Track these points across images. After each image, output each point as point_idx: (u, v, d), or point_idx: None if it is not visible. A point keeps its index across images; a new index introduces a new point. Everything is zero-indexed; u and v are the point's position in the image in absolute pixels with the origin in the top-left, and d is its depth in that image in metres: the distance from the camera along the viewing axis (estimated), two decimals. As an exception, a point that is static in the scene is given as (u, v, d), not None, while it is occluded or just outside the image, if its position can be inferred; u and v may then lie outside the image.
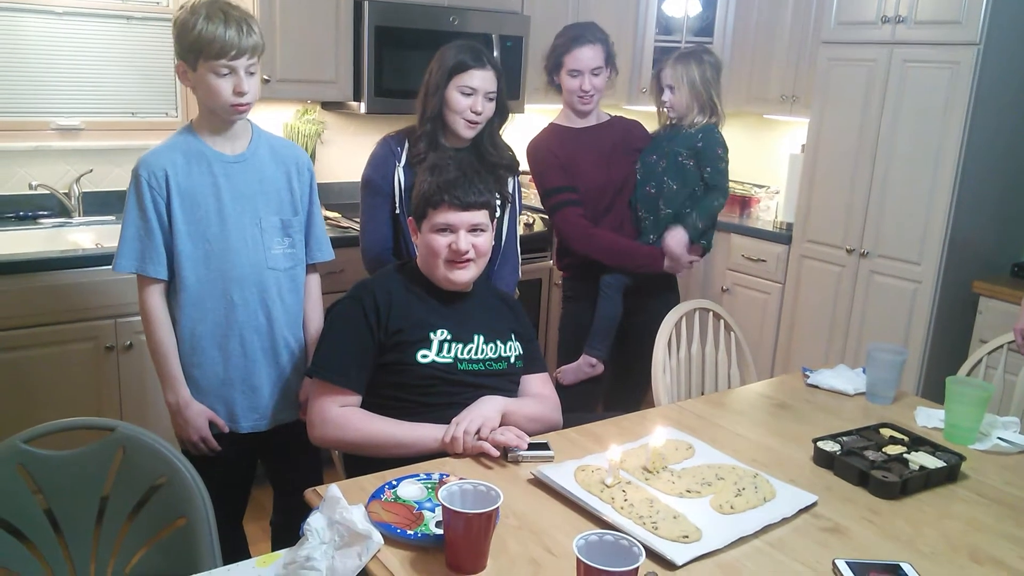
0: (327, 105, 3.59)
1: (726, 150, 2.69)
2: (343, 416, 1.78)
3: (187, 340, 1.95)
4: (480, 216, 1.88)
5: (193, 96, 1.94)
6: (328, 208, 3.41)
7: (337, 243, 2.55)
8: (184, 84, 1.89)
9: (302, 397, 2.05)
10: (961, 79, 3.13)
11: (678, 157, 2.65)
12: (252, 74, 1.86)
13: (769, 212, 4.19)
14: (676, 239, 2.64)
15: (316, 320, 2.09)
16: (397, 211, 2.31)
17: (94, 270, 2.69)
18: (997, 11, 3.06)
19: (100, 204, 3.18)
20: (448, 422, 1.75)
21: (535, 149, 2.71)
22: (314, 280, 2.14)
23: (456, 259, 1.86)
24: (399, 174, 2.31)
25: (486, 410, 1.76)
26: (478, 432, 1.71)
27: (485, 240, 1.90)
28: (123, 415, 2.79)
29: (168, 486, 1.52)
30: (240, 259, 1.93)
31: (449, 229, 1.85)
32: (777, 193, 4.17)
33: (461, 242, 1.85)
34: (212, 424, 1.98)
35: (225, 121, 1.91)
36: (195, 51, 1.81)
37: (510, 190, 2.44)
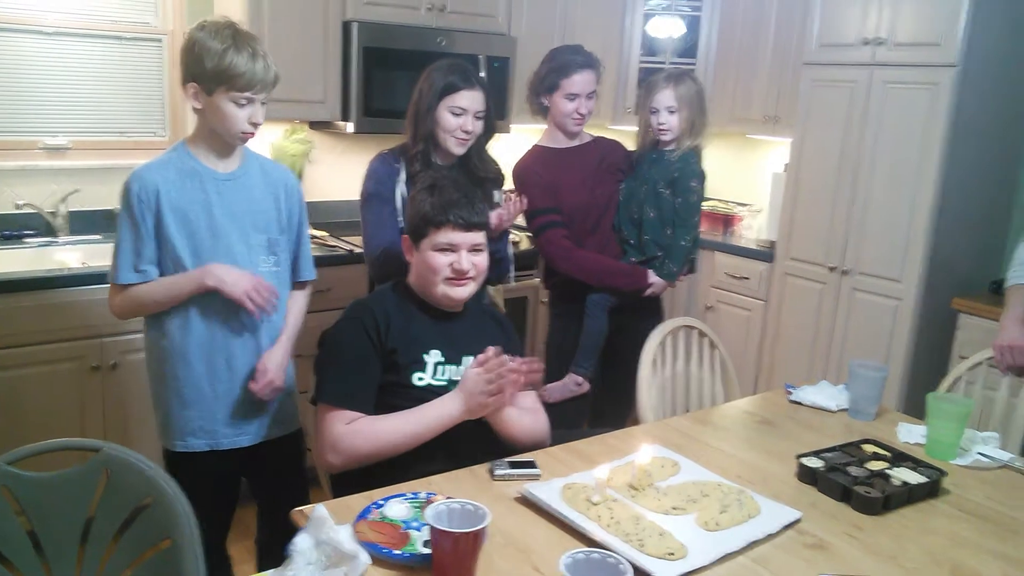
0: (315, 125, 3.61)
1: (702, 180, 2.71)
2: (350, 432, 1.76)
3: (174, 353, 1.96)
4: (480, 236, 1.91)
5: (181, 116, 1.96)
6: (316, 227, 3.42)
7: (326, 262, 2.58)
8: (192, 104, 1.91)
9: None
10: (940, 100, 3.19)
11: (656, 186, 2.68)
12: (264, 104, 1.92)
13: (752, 230, 4.22)
14: (656, 288, 2.72)
15: (289, 327, 2.09)
16: (401, 224, 2.33)
17: (80, 289, 2.68)
18: (975, 33, 3.12)
19: (87, 223, 3.18)
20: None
21: (521, 171, 2.73)
22: (301, 294, 2.16)
23: (457, 278, 1.88)
24: (402, 188, 2.34)
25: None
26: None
27: (483, 259, 1.93)
28: (108, 436, 2.77)
29: (154, 507, 1.51)
30: None
31: (451, 249, 1.87)
32: (760, 212, 4.21)
33: (463, 262, 1.87)
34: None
35: (228, 145, 1.96)
36: (218, 78, 1.84)
37: (497, 201, 2.48)
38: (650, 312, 2.80)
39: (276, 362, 2.03)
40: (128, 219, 1.90)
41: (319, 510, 1.38)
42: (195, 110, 1.92)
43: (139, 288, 1.92)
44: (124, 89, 3.28)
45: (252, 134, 1.93)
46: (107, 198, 3.19)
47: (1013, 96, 3.41)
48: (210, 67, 1.83)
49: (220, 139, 1.94)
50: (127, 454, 1.54)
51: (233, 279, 1.91)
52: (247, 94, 1.86)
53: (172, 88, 3.28)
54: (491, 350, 1.77)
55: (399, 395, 1.82)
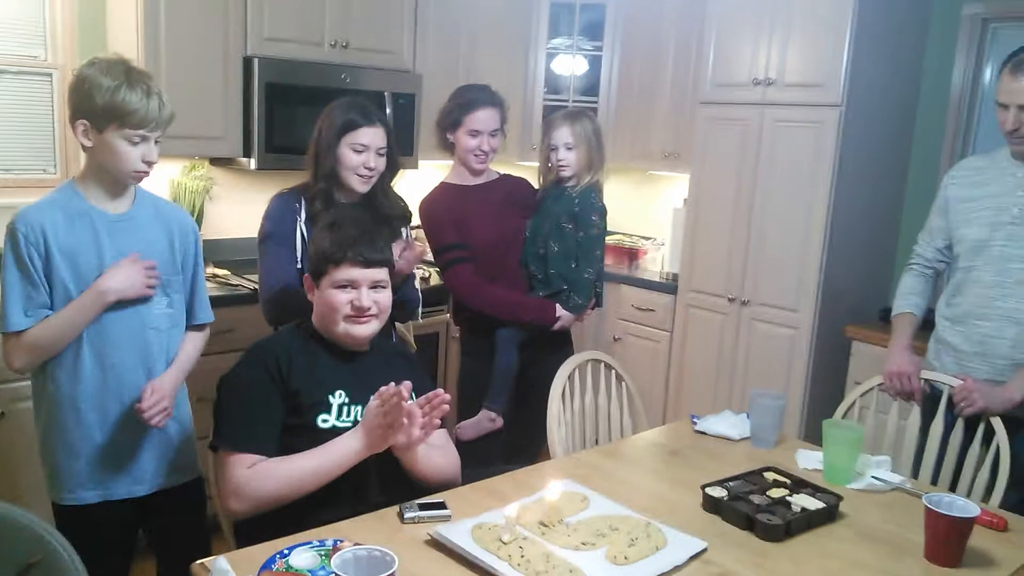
0: (216, 161, 3.53)
1: (603, 215, 2.77)
2: (252, 475, 1.71)
3: (63, 403, 1.88)
4: (381, 273, 1.89)
5: (73, 153, 1.90)
6: (217, 265, 3.33)
7: (226, 301, 2.52)
8: (81, 142, 1.84)
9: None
10: (826, 138, 3.36)
11: (559, 221, 2.72)
12: (158, 143, 1.88)
13: (656, 263, 4.34)
14: (564, 321, 2.75)
15: (179, 360, 2.01)
16: (299, 265, 2.29)
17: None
18: (856, 75, 3.31)
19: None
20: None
21: (428, 207, 2.74)
22: (197, 335, 2.09)
23: (358, 315, 1.86)
24: (301, 228, 2.30)
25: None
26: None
27: (386, 296, 1.91)
28: (-8, 489, 2.61)
29: (43, 565, 1.44)
30: (119, 320, 1.89)
31: (351, 286, 1.85)
32: (663, 245, 4.33)
33: (364, 298, 1.85)
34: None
35: (120, 184, 1.89)
36: (109, 115, 1.78)
37: (404, 238, 2.47)
38: (559, 345, 2.83)
39: (165, 385, 1.94)
40: (15, 262, 1.81)
41: (220, 563, 1.34)
42: (84, 148, 1.86)
43: (33, 331, 1.82)
44: (9, 125, 3.13)
45: (146, 173, 1.88)
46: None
47: (894, 133, 3.63)
48: (101, 104, 1.78)
49: (111, 178, 1.87)
50: (13, 512, 1.45)
51: (124, 284, 1.85)
52: (141, 131, 1.81)
53: (63, 124, 3.15)
54: (391, 386, 1.74)
55: (303, 438, 1.78)
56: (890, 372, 2.42)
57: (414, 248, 2.34)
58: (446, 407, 1.75)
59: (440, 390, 1.77)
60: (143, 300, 1.92)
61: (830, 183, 3.37)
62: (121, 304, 1.88)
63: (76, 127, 1.83)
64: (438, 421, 1.78)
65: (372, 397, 1.78)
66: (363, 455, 1.76)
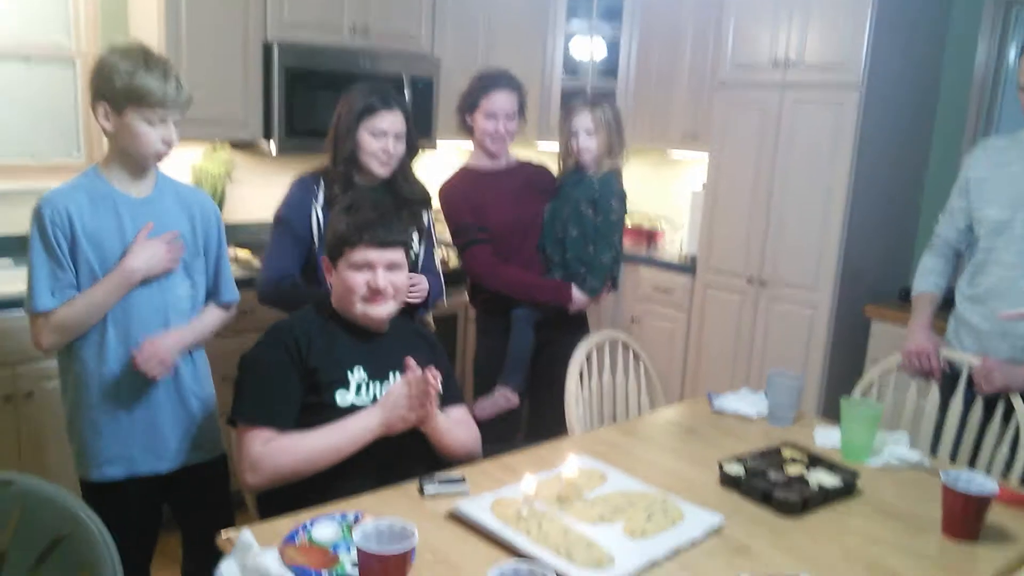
0: (237, 145, 3.56)
1: (622, 200, 2.77)
2: (269, 450, 1.74)
3: (88, 382, 1.92)
4: (398, 255, 1.91)
5: (96, 137, 1.93)
6: (239, 246, 3.37)
7: (250, 283, 2.53)
8: (102, 125, 1.88)
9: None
10: (846, 118, 3.34)
11: (579, 206, 2.73)
12: (177, 125, 1.91)
13: (674, 245, 4.34)
14: (579, 303, 2.75)
15: (192, 325, 2.02)
16: (316, 249, 2.32)
17: (-10, 317, 2.58)
18: (877, 56, 3.28)
19: (-3, 249, 3.07)
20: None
21: (447, 192, 2.76)
22: (216, 309, 2.11)
23: (373, 296, 1.88)
24: (317, 213, 2.32)
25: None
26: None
27: (402, 278, 1.93)
28: (24, 467, 2.66)
29: (72, 539, 1.47)
30: (143, 300, 1.93)
31: (367, 267, 1.87)
32: (682, 227, 4.32)
33: (379, 279, 1.87)
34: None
35: (141, 166, 1.93)
36: (128, 97, 1.82)
37: (425, 223, 2.49)
38: (575, 327, 2.85)
39: (164, 340, 1.95)
40: (42, 244, 1.85)
41: (244, 535, 1.37)
42: (105, 132, 1.89)
43: (60, 311, 1.86)
44: (35, 111, 3.18)
45: (167, 154, 1.91)
46: (19, 222, 3.07)
47: (914, 115, 3.59)
48: (119, 86, 1.82)
49: (133, 161, 1.91)
50: (42, 486, 1.49)
51: (149, 262, 1.90)
52: (159, 112, 1.84)
53: (86, 110, 3.19)
54: (415, 370, 1.77)
55: (321, 416, 1.80)
56: (909, 351, 2.41)
57: (421, 284, 2.33)
58: (435, 385, 1.77)
59: (431, 367, 1.79)
60: (167, 276, 1.95)
61: (850, 164, 3.35)
62: (146, 283, 1.92)
63: (97, 110, 1.87)
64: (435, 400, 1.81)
65: (399, 377, 1.82)
66: (378, 435, 1.79)
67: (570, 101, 2.90)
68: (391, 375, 1.90)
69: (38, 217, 1.85)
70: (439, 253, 2.72)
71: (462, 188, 2.76)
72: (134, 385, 1.95)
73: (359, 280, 1.87)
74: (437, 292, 2.54)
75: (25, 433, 2.70)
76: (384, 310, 1.91)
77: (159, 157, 1.91)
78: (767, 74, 3.58)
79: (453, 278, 3.65)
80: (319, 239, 2.31)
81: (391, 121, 2.31)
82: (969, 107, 3.56)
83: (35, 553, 1.47)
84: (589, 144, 2.72)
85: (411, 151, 2.41)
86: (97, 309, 1.88)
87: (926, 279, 2.53)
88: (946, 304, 2.52)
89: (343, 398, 1.84)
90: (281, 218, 2.36)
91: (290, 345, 1.83)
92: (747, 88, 3.67)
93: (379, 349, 1.93)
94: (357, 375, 1.86)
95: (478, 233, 2.71)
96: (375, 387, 1.87)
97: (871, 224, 3.50)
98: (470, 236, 2.72)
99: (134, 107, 1.83)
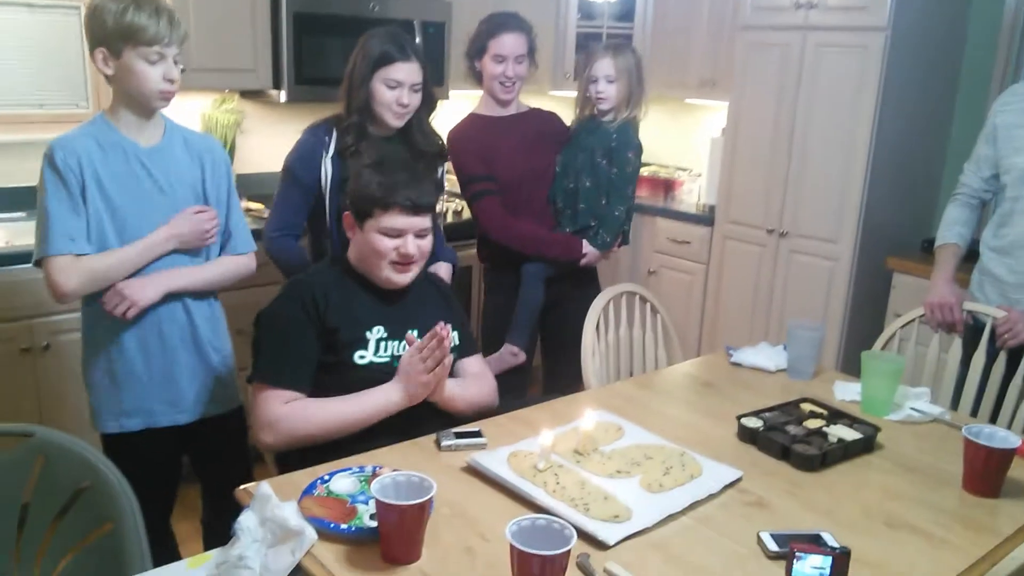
0: (246, 94, 3.51)
1: (639, 152, 2.72)
2: (287, 413, 1.74)
3: (105, 334, 1.92)
4: (427, 221, 1.88)
5: (104, 86, 1.89)
6: (250, 199, 3.34)
7: (259, 235, 2.51)
8: (102, 71, 1.84)
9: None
10: (871, 63, 3.24)
11: (594, 156, 2.68)
12: (177, 63, 1.87)
13: (692, 195, 4.27)
14: (590, 258, 2.72)
15: (196, 269, 1.98)
16: (327, 202, 2.29)
17: (5, 270, 2.57)
18: (903, -3, 3.18)
19: (8, 201, 3.05)
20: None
21: (455, 138, 2.70)
22: (227, 258, 2.06)
23: (403, 262, 1.85)
24: (326, 165, 2.28)
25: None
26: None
27: (429, 243, 1.91)
28: (43, 419, 2.69)
29: (92, 490, 1.48)
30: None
31: (398, 234, 1.84)
32: (699, 176, 4.25)
33: (410, 246, 1.84)
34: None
35: (147, 109, 1.89)
36: (123, 37, 1.79)
37: (439, 176, 2.45)
38: (585, 282, 2.82)
39: (136, 280, 1.89)
40: (55, 186, 1.81)
41: (263, 487, 1.37)
42: (107, 78, 1.86)
43: (94, 258, 1.83)
44: (40, 60, 3.13)
45: (172, 92, 1.87)
46: (29, 173, 3.04)
47: (940, 60, 3.49)
48: (112, 26, 1.78)
49: (138, 104, 1.87)
50: (62, 438, 1.49)
51: (191, 235, 1.93)
52: (156, 49, 1.81)
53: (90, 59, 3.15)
54: (416, 339, 1.76)
55: (339, 374, 1.80)
56: (932, 303, 2.38)
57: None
58: (447, 343, 1.75)
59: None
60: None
61: (874, 110, 3.27)
62: None
63: (95, 56, 1.83)
64: (450, 358, 1.78)
65: (405, 345, 1.80)
66: (402, 407, 1.78)
67: (587, 46, 2.82)
68: (410, 332, 1.88)
69: (51, 161, 1.82)
70: (452, 208, 2.68)
71: (471, 135, 2.70)
72: (149, 338, 1.94)
73: (388, 245, 1.84)
74: (454, 259, 2.53)
75: (45, 385, 2.72)
76: (409, 276, 1.89)
77: (164, 96, 1.87)
78: (789, 15, 3.47)
79: (466, 229, 3.62)
80: (329, 189, 2.28)
81: (407, 71, 2.25)
82: (997, 51, 3.45)
83: (57, 505, 1.49)
84: (609, 91, 2.66)
85: (428, 103, 2.36)
86: (130, 266, 1.87)
87: (950, 230, 2.48)
88: (971, 255, 2.48)
89: (362, 358, 1.82)
90: (289, 167, 2.33)
91: (308, 303, 1.81)
92: (768, 31, 3.57)
93: (398, 306, 1.91)
94: (376, 334, 1.85)
95: (487, 183, 2.66)
96: (393, 346, 1.86)
97: (895, 173, 3.43)
98: (479, 187, 2.67)
99: (130, 47, 1.79)
